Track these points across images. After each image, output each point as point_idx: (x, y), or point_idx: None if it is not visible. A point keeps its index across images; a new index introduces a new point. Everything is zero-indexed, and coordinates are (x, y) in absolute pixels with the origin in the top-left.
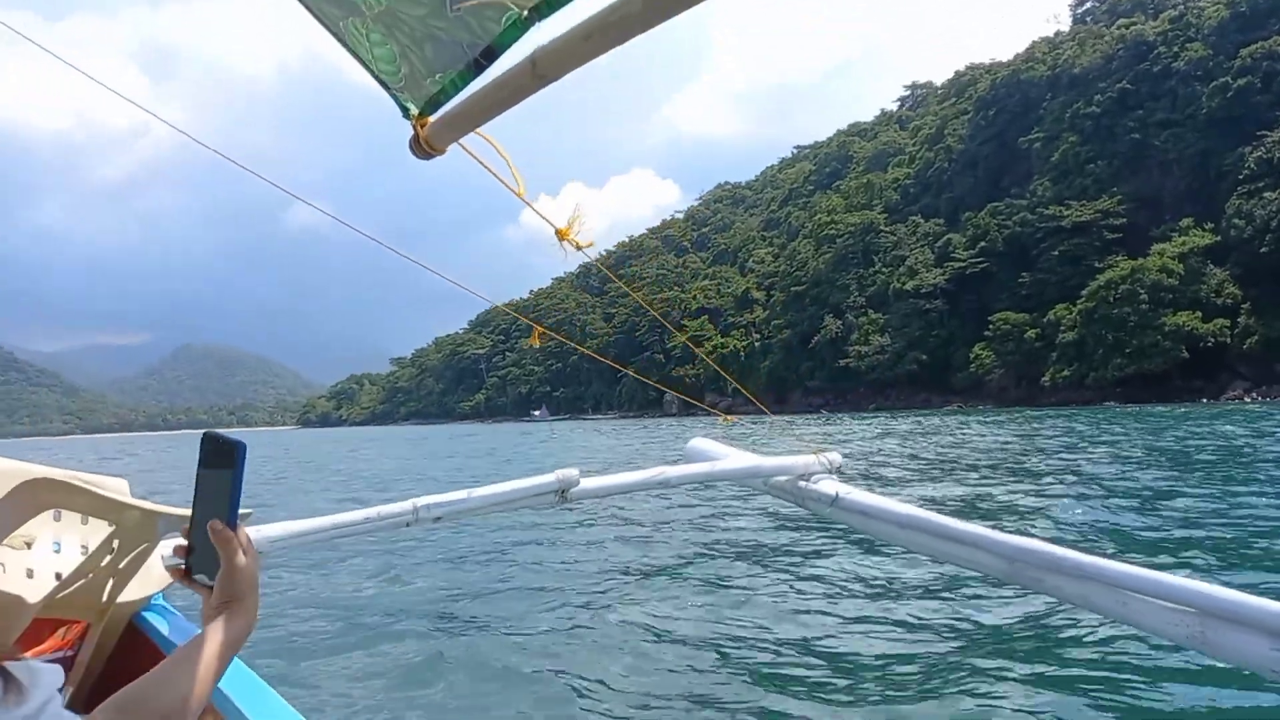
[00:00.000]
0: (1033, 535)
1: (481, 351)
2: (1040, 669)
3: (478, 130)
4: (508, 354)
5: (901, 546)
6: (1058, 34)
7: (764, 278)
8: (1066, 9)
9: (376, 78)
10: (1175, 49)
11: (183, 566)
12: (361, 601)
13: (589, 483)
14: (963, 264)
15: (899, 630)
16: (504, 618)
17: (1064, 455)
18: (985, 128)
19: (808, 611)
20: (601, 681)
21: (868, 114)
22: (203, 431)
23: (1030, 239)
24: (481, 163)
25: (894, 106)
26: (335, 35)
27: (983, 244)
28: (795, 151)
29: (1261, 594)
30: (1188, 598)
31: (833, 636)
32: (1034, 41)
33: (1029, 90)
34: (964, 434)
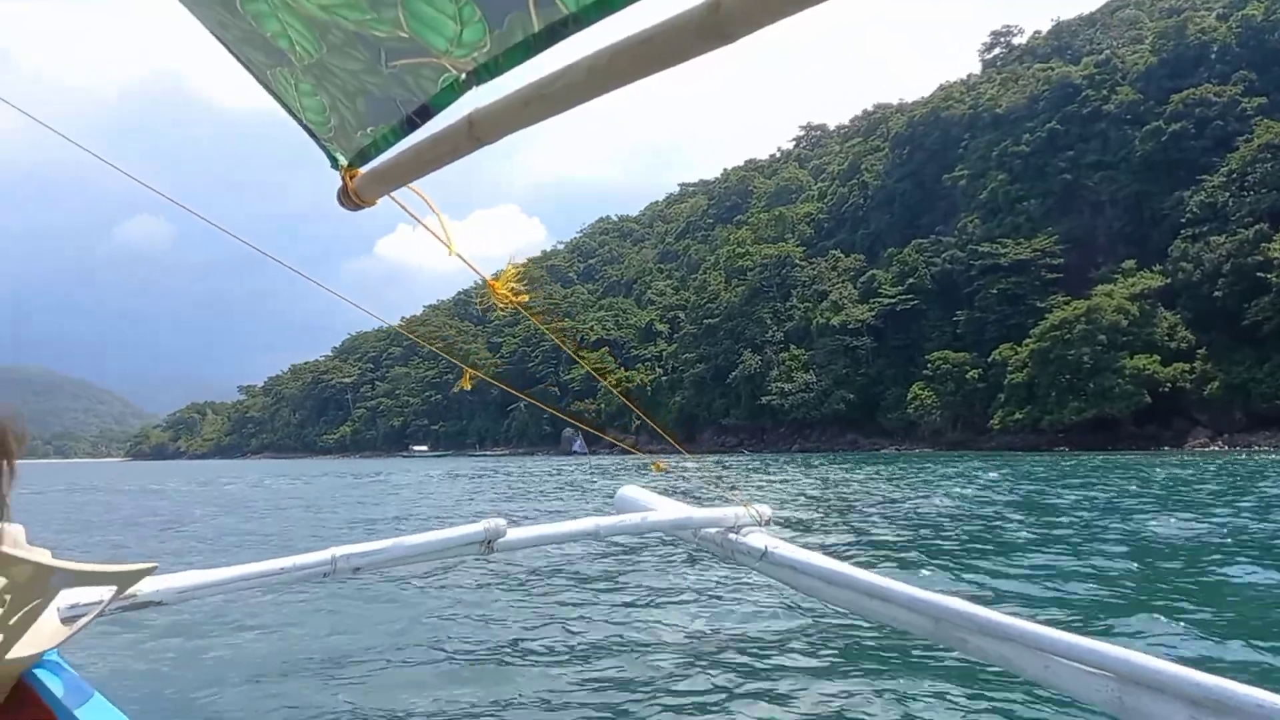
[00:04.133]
0: (957, 595)
1: (348, 380)
2: None
3: (410, 185)
4: (378, 383)
5: (829, 603)
6: (970, 76)
7: (667, 310)
8: (975, 54)
9: (305, 127)
10: (1104, 92)
11: None
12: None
13: (517, 533)
14: (892, 300)
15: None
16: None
17: None
18: (901, 165)
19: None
20: None
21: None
22: None
23: (962, 277)
24: (414, 216)
25: (790, 145)
26: (261, 82)
27: (910, 281)
28: (681, 188)
29: (1182, 661)
30: (1107, 663)
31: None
32: (947, 82)
33: (948, 128)
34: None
